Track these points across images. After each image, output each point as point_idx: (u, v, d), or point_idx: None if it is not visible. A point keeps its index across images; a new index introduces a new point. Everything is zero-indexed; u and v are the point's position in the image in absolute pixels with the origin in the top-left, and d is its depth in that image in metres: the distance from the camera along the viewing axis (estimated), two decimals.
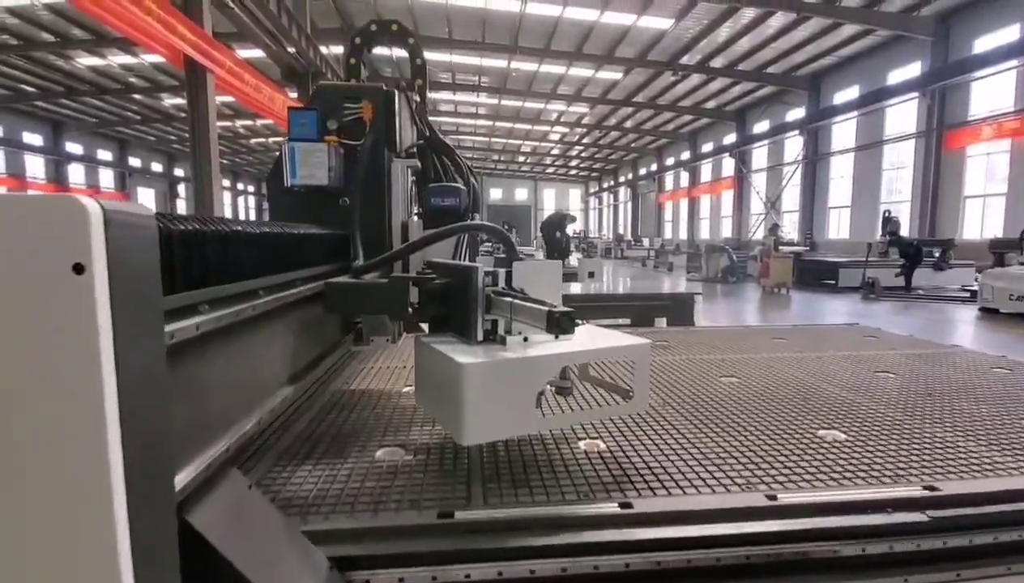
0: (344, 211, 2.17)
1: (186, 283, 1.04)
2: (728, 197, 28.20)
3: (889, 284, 13.76)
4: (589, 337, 1.79)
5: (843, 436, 1.98)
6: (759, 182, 26.10)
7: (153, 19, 9.05)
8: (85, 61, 19.84)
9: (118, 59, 19.95)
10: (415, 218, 2.33)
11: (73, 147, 28.25)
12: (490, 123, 31.78)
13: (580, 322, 1.58)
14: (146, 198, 34.57)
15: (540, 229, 14.66)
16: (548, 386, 1.87)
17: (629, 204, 40.98)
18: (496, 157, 42.16)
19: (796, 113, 22.89)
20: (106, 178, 32.10)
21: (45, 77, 21.02)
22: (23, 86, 22.02)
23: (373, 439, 1.96)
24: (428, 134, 2.37)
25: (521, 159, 42.69)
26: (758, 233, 24.50)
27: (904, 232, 15.61)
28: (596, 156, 40.50)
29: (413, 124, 2.31)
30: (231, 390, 1.15)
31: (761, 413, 2.23)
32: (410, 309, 1.72)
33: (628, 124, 30.45)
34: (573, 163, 43.99)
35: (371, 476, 1.66)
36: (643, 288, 9.09)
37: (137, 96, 23.98)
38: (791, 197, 24.15)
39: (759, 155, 26.30)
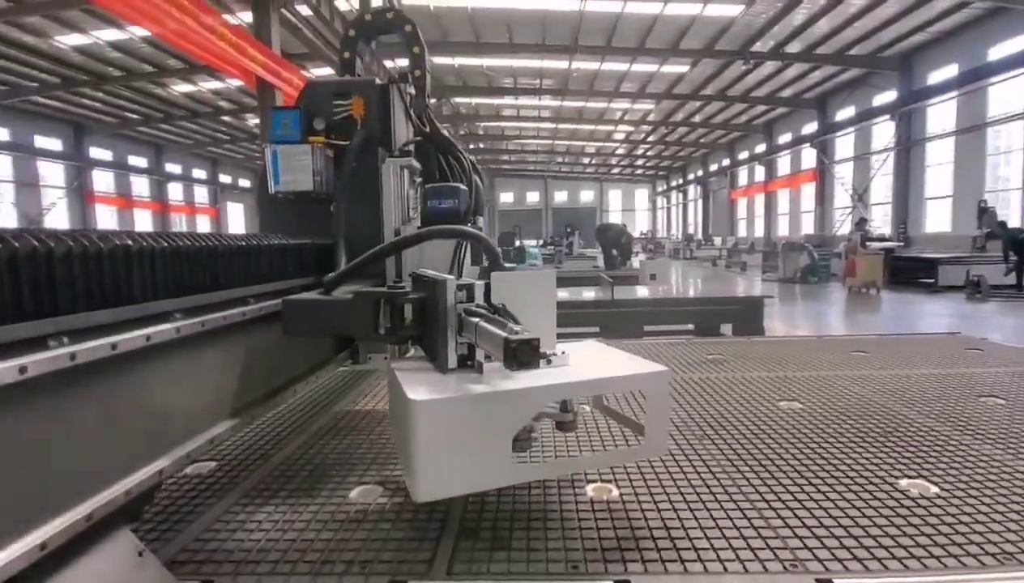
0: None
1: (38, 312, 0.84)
2: (809, 191, 26.31)
3: (998, 283, 12.13)
4: (593, 362, 1.47)
5: (933, 488, 1.54)
6: (844, 173, 24.17)
7: (226, 44, 9.54)
8: (180, 88, 21.48)
9: (208, 84, 21.43)
10: (413, 224, 2.10)
11: (172, 167, 30.82)
12: (553, 125, 31.46)
13: (552, 352, 1.28)
14: (235, 212, 37.00)
15: (596, 234, 14.17)
16: (545, 418, 1.57)
17: (699, 202, 39.26)
18: (560, 159, 41.72)
19: (885, 97, 20.95)
20: (200, 194, 34.73)
21: (146, 104, 22.95)
22: (127, 113, 24.18)
23: (354, 473, 1.74)
24: (428, 130, 2.13)
25: (585, 161, 41.96)
26: (843, 228, 22.68)
27: (1016, 222, 13.76)
28: (663, 154, 39.09)
29: (408, 119, 2.08)
30: (100, 440, 0.94)
31: (824, 453, 1.81)
32: (381, 330, 1.47)
33: (696, 118, 29.12)
34: (639, 162, 42.70)
35: (332, 523, 1.43)
36: (708, 291, 8.46)
37: (225, 117, 25.71)
38: (881, 188, 22.16)
39: (843, 144, 24.35)
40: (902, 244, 18.03)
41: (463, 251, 2.04)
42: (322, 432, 2.11)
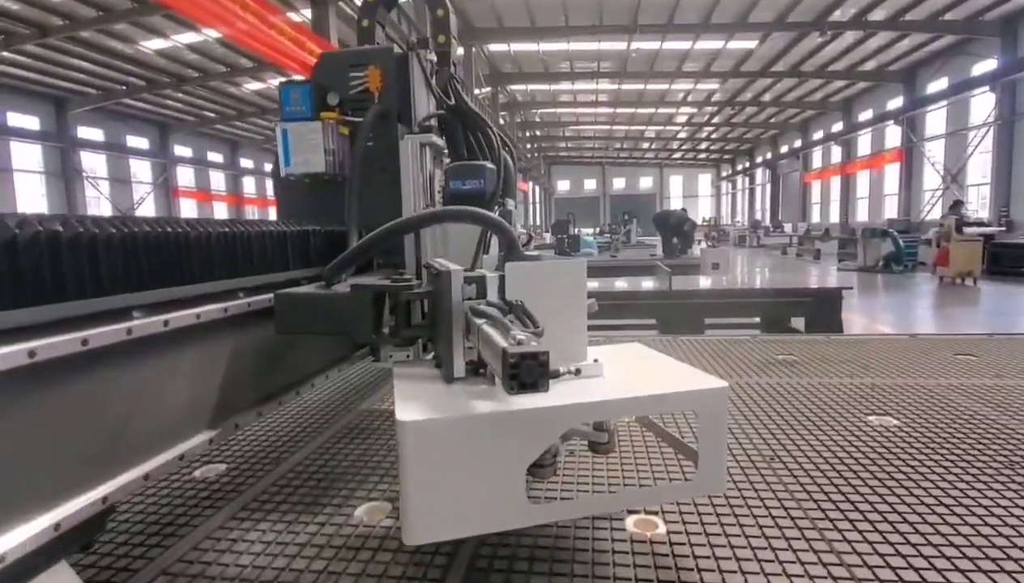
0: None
1: None
2: (893, 172, 24.25)
3: None
4: (634, 372, 1.21)
5: None
6: (935, 151, 22.10)
7: (287, 39, 9.75)
8: (251, 86, 22.40)
9: (276, 81, 22.24)
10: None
11: (245, 162, 32.35)
12: (611, 110, 30.57)
13: (581, 363, 1.02)
14: None
15: (654, 221, 13.50)
16: (575, 437, 1.32)
17: (768, 186, 37.19)
18: (618, 145, 40.61)
19: (985, 65, 18.91)
20: (271, 187, 36.45)
21: (221, 103, 24.09)
22: (205, 112, 25.50)
23: (365, 485, 1.56)
24: (453, 102, 1.90)
25: (645, 145, 40.62)
26: (933, 212, 20.78)
27: None
28: (729, 136, 37.22)
29: (430, 91, 1.86)
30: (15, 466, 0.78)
31: (931, 486, 1.46)
32: (385, 329, 1.27)
33: (766, 97, 27.42)
34: (702, 146, 40.87)
35: (328, 550, 1.24)
36: (777, 282, 7.83)
37: None
38: (978, 168, 20.10)
39: (934, 120, 22.22)
40: (1003, 229, 16.28)
41: (488, 239, 1.80)
42: (341, 433, 1.95)
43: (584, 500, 1.26)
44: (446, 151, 2.00)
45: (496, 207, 1.77)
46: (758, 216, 37.09)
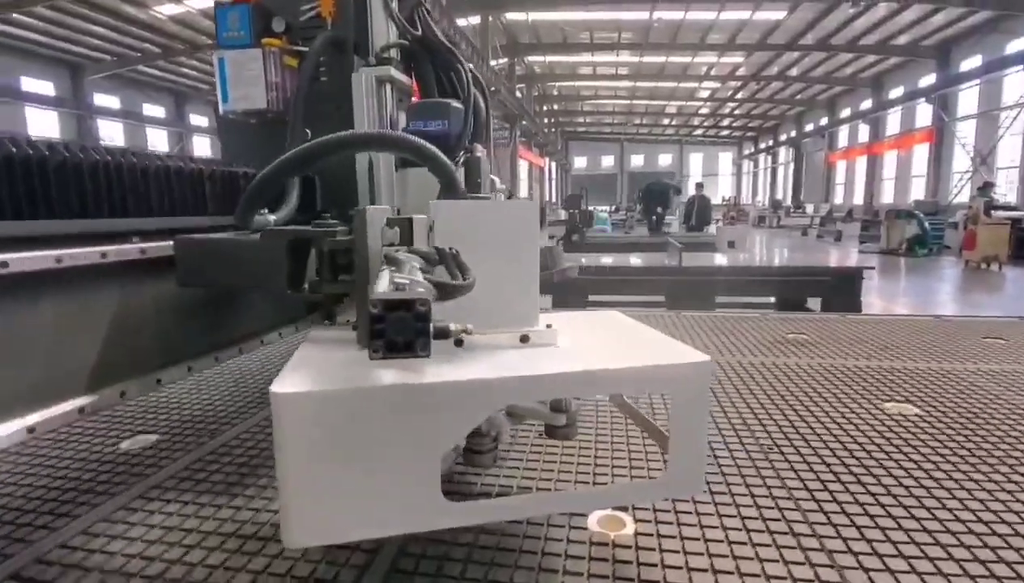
0: None
1: None
2: (922, 152, 23.37)
3: None
4: (600, 343, 0.99)
5: None
6: (966, 132, 21.22)
7: None
8: None
9: None
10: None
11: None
12: (631, 84, 29.72)
13: (465, 330, 0.79)
14: None
15: (639, 192, 12.95)
16: (531, 420, 1.12)
17: (791, 166, 36.14)
18: (638, 121, 39.63)
19: (1020, 43, 17.94)
20: None
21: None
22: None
23: None
24: (420, 34, 1.66)
25: (665, 121, 39.59)
26: (961, 195, 20.03)
27: None
28: (752, 113, 36.07)
29: (391, 18, 1.61)
30: None
31: (958, 487, 1.24)
32: (306, 283, 1.06)
33: (793, 72, 26.40)
34: (725, 123, 39.69)
35: (234, 540, 1.06)
36: (794, 260, 7.49)
37: None
38: (1008, 150, 19.24)
39: (967, 99, 21.29)
40: None
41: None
42: None
43: (519, 501, 1.01)
44: (412, 90, 1.77)
45: (462, 153, 1.54)
46: (779, 196, 36.22)
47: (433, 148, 1.00)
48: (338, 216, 1.59)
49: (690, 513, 1.13)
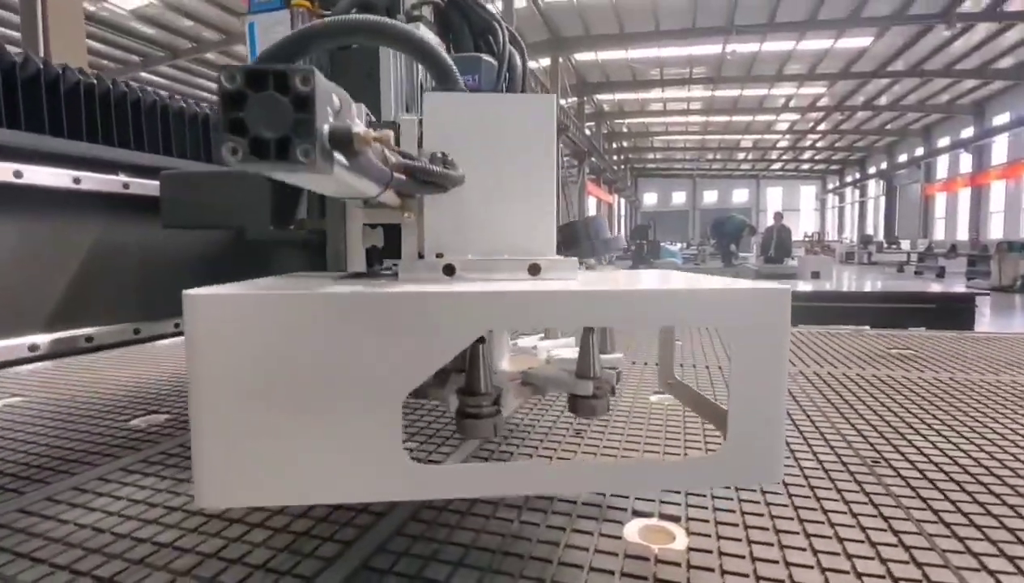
0: None
1: None
2: None
3: None
4: (628, 281, 0.76)
5: None
6: None
7: None
8: None
9: None
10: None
11: None
12: (703, 118, 29.18)
13: (380, 136, 0.58)
14: None
15: (711, 228, 12.27)
16: (551, 389, 0.89)
17: (882, 199, 33.77)
18: (711, 156, 38.69)
19: None
20: None
21: None
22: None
23: None
24: None
25: (740, 156, 38.39)
26: None
27: None
28: (836, 145, 34.23)
29: None
30: None
31: None
32: (292, 225, 0.92)
33: (882, 100, 24.90)
34: (806, 156, 37.89)
35: (193, 520, 0.89)
36: (891, 286, 6.74)
37: None
38: None
39: None
40: None
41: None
42: None
43: (517, 469, 0.75)
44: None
45: None
46: (869, 231, 33.86)
47: (428, 42, 0.83)
48: None
49: (765, 528, 0.85)
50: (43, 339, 0.86)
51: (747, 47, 20.21)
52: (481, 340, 0.71)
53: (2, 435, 1.33)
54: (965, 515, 0.89)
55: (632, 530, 0.84)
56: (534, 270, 0.71)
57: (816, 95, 25.11)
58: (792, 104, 26.33)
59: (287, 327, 0.54)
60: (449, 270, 0.70)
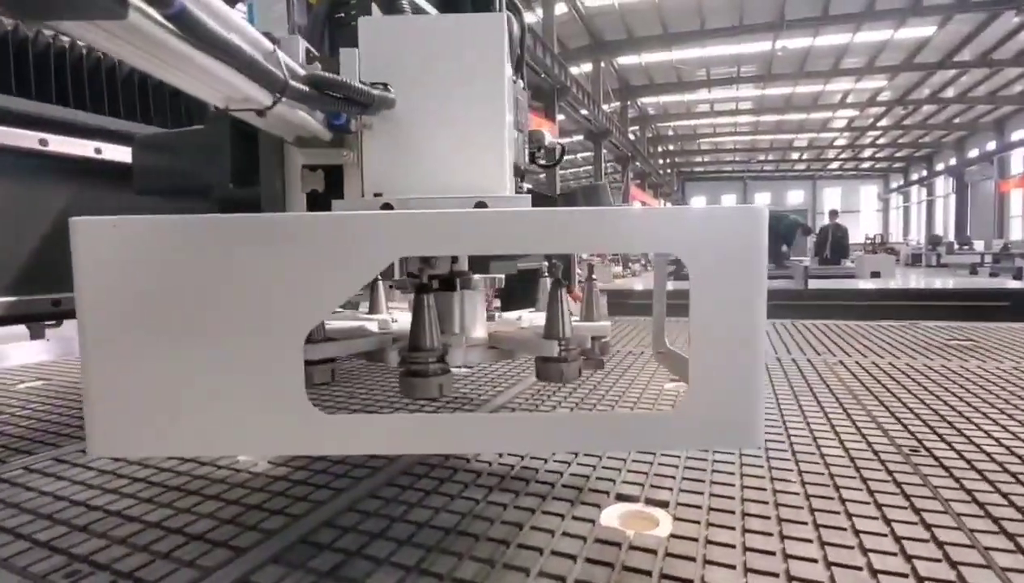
0: None
1: None
2: None
3: None
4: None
5: None
6: None
7: None
8: None
9: None
10: None
11: None
12: (754, 118, 28.24)
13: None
14: None
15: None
16: (522, 353, 0.81)
17: (951, 197, 31.67)
18: (762, 157, 37.35)
19: None
20: None
21: None
22: None
23: None
24: None
25: (794, 156, 36.88)
26: None
27: None
28: (900, 141, 32.36)
29: None
30: None
31: None
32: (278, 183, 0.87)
33: (948, 92, 23.39)
34: (866, 154, 35.99)
35: (152, 489, 0.85)
36: (959, 284, 6.24)
37: None
38: None
39: None
40: None
41: None
42: None
43: (448, 423, 0.60)
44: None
45: None
46: (938, 231, 31.82)
47: None
48: None
49: (766, 517, 0.73)
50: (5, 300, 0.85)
51: (798, 42, 19.44)
52: (425, 289, 0.64)
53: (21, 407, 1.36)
54: (1019, 510, 0.75)
55: (611, 515, 0.74)
56: (481, 206, 0.63)
57: (876, 89, 23.88)
58: (850, 99, 25.14)
59: (174, 253, 0.49)
60: (387, 209, 0.63)
